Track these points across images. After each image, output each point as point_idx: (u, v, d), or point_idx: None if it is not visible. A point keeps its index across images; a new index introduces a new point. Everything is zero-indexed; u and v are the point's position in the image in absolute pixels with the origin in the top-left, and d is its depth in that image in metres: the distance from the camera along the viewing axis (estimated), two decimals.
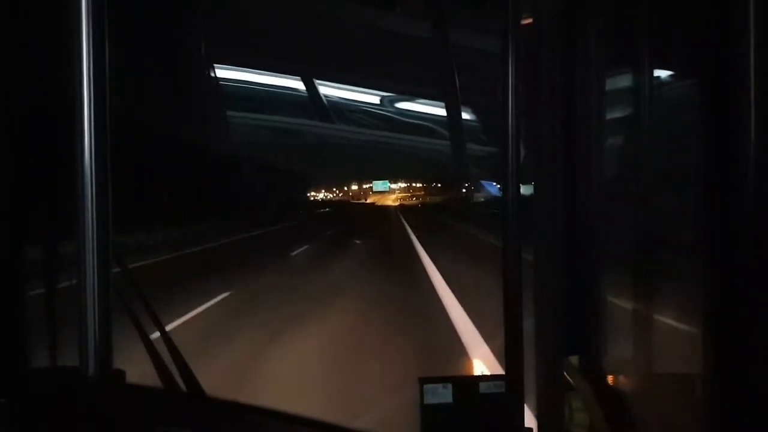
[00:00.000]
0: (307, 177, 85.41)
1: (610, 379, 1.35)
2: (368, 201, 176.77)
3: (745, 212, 0.69)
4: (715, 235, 0.75)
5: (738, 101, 0.67)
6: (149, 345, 1.25)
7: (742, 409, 0.71)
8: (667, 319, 1.33)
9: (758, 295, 0.69)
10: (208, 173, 26.37)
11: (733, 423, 0.73)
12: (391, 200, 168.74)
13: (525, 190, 1.22)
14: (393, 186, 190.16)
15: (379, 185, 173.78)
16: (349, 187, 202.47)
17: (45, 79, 1.33)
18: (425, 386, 1.18)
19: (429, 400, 1.18)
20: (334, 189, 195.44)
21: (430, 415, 1.18)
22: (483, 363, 5.43)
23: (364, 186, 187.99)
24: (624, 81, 1.40)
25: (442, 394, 1.18)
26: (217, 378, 4.70)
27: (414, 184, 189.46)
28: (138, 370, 1.14)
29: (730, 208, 0.71)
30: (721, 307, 0.74)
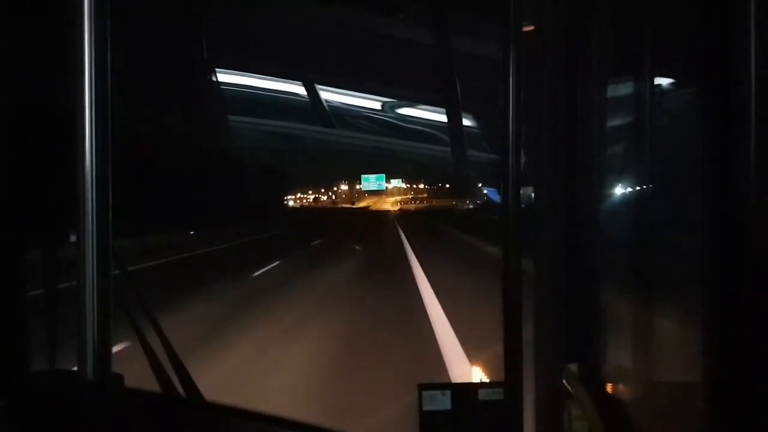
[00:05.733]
0: (285, 177, 68.05)
1: (609, 387, 1.35)
2: (358, 205, 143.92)
3: (747, 219, 0.69)
4: (716, 242, 0.75)
5: (739, 108, 0.68)
6: (148, 349, 1.24)
7: (742, 418, 0.71)
8: (667, 327, 1.33)
9: (759, 303, 0.69)
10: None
11: (733, 431, 0.72)
12: (389, 204, 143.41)
13: (526, 196, 1.22)
14: (390, 185, 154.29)
15: (370, 181, 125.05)
16: (338, 188, 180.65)
17: (47, 81, 1.33)
18: (424, 393, 1.18)
19: (428, 406, 1.18)
20: (323, 190, 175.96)
21: (428, 421, 1.18)
22: (482, 371, 5.41)
23: (357, 186, 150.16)
24: (626, 88, 1.40)
25: (441, 401, 1.18)
26: None
27: (417, 186, 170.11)
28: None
29: (731, 215, 0.71)
30: (722, 316, 0.74)
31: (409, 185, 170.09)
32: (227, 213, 30.63)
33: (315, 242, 23.76)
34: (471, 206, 60.89)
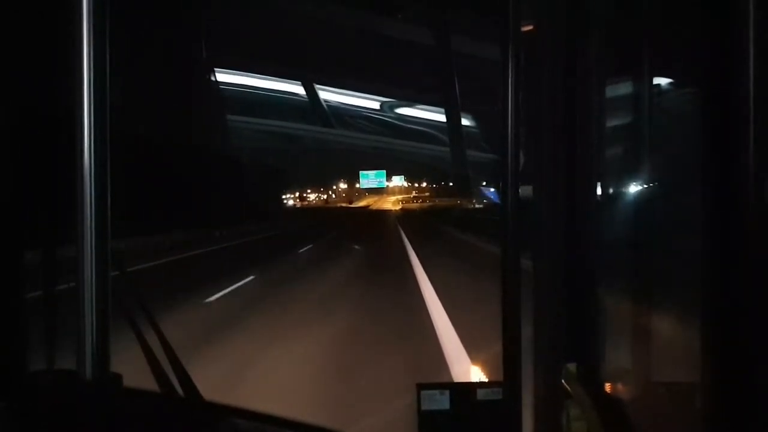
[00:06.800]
0: (282, 177, 64.11)
1: (608, 387, 1.35)
2: (357, 205, 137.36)
3: (745, 219, 0.69)
4: (716, 242, 0.75)
5: (738, 108, 0.68)
6: (147, 349, 1.25)
7: (742, 418, 0.71)
8: (666, 327, 1.33)
9: (758, 304, 0.69)
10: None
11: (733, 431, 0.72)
12: (390, 203, 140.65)
13: (526, 196, 1.22)
14: (391, 183, 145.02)
15: (370, 178, 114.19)
16: (337, 187, 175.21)
17: (46, 81, 1.33)
18: (422, 392, 1.18)
19: (426, 406, 1.18)
20: (321, 189, 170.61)
21: (427, 421, 1.18)
22: (481, 370, 5.42)
23: (357, 185, 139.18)
24: (625, 88, 1.40)
25: (440, 401, 1.18)
26: None
27: (419, 184, 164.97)
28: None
29: (730, 215, 0.71)
30: (721, 316, 0.74)
31: (410, 183, 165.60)
32: (220, 214, 29.88)
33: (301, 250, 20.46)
34: (477, 206, 55.92)
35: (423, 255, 16.89)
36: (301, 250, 19.85)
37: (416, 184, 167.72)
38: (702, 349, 0.78)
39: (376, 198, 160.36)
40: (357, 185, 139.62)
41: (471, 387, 1.19)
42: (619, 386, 1.38)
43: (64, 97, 0.88)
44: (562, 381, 1.32)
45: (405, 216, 67.79)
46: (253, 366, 5.87)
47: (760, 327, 0.69)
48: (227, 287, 10.90)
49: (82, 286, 0.87)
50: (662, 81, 1.35)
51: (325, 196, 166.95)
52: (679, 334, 1.18)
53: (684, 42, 1.06)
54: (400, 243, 23.87)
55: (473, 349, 6.21)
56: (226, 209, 31.08)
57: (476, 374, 5.27)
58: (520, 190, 1.17)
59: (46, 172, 1.30)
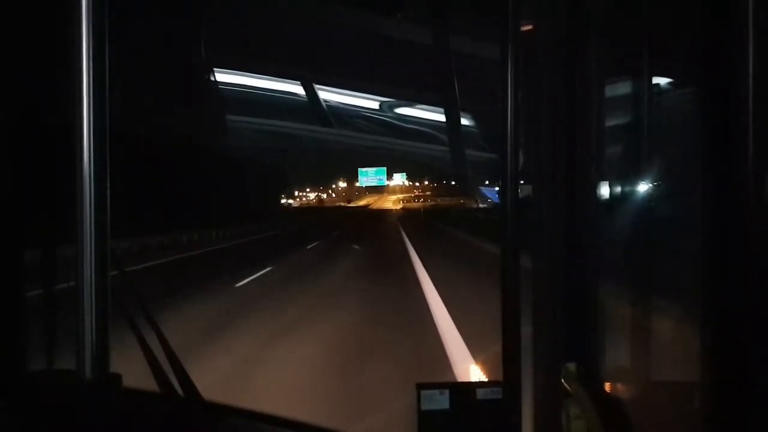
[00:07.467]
0: (281, 176, 62.78)
1: (608, 386, 1.35)
2: (356, 204, 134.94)
3: (746, 219, 0.69)
4: (715, 242, 0.75)
5: (737, 108, 0.68)
6: (146, 349, 1.24)
7: (740, 418, 0.71)
8: (666, 327, 1.33)
9: (757, 303, 0.69)
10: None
11: (731, 431, 0.72)
12: (390, 202, 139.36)
13: (525, 196, 1.22)
14: (392, 181, 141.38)
15: (369, 176, 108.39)
16: (337, 185, 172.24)
17: (46, 81, 1.33)
18: (422, 392, 1.18)
19: (426, 406, 1.18)
20: (321, 188, 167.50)
21: (427, 421, 1.18)
22: (481, 370, 5.42)
23: (356, 184, 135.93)
24: (625, 87, 1.41)
25: (440, 400, 1.18)
26: None
27: (421, 183, 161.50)
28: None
29: (730, 215, 0.71)
30: (721, 316, 0.74)
31: (411, 182, 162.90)
32: (217, 214, 29.06)
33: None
34: (481, 205, 53.89)
35: (426, 258, 16.41)
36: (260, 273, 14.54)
37: (417, 183, 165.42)
38: (702, 349, 0.78)
39: (376, 197, 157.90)
40: (356, 183, 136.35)
41: (471, 386, 1.19)
42: (619, 386, 1.38)
43: (64, 97, 0.89)
44: (562, 380, 1.32)
45: (406, 216, 66.81)
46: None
47: (760, 327, 0.69)
48: None
49: (81, 286, 0.88)
50: (662, 81, 1.35)
51: (324, 195, 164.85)
52: (679, 333, 1.18)
53: (684, 42, 1.06)
54: (401, 245, 23.02)
55: (476, 349, 6.14)
56: (224, 209, 30.66)
57: (476, 374, 5.27)
58: (520, 190, 1.17)
59: (46, 172, 1.30)
